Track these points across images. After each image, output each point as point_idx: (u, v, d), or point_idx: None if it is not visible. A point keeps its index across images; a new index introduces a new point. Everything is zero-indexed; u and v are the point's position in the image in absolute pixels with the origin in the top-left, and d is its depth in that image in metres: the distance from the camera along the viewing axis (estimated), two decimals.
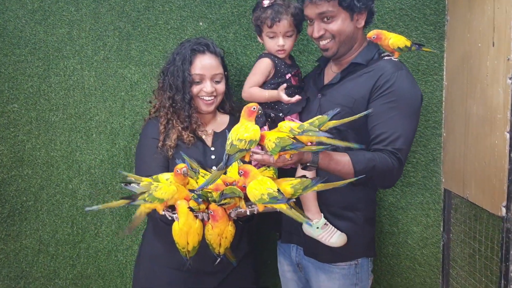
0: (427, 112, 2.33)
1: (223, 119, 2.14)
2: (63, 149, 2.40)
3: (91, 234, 2.44)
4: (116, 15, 2.33)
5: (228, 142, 1.57)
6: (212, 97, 2.00)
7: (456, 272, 2.34)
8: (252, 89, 1.99)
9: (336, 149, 1.67)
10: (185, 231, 1.58)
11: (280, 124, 1.62)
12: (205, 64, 1.97)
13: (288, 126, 1.58)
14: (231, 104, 2.19)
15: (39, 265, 2.46)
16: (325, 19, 1.83)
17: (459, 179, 2.17)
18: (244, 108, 1.62)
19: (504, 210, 1.78)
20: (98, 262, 2.47)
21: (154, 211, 1.82)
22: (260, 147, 1.62)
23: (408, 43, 1.86)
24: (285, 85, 1.94)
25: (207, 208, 1.63)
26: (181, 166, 1.64)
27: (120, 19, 2.33)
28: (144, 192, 1.63)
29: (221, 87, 2.02)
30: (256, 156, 1.60)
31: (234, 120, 2.13)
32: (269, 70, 1.99)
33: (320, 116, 1.62)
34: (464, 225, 2.28)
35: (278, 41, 1.95)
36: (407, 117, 1.76)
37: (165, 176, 1.69)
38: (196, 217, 1.61)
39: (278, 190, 1.56)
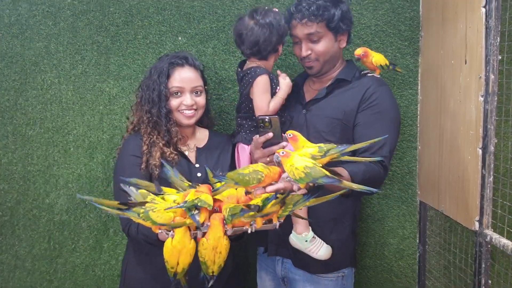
0: (402, 125, 2.37)
1: (202, 134, 2.12)
2: (40, 163, 2.37)
3: (69, 249, 2.42)
4: (95, 29, 2.33)
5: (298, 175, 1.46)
6: (193, 110, 1.97)
7: (431, 284, 2.38)
8: (271, 107, 1.96)
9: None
10: (178, 249, 1.49)
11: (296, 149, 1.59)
12: (184, 77, 1.95)
13: (307, 152, 1.51)
14: (210, 118, 2.19)
15: (15, 280, 2.42)
16: (313, 40, 1.91)
17: (434, 192, 2.21)
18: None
19: (477, 224, 1.83)
20: (75, 277, 2.44)
21: (136, 231, 1.80)
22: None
23: (387, 62, 2.00)
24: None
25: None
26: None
27: (99, 34, 2.33)
28: (140, 204, 1.54)
29: (201, 100, 1.99)
30: (278, 186, 1.51)
31: (214, 134, 2.14)
32: (270, 85, 1.99)
33: (328, 144, 1.57)
34: (440, 237, 2.33)
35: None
36: (391, 127, 1.86)
37: (172, 197, 1.59)
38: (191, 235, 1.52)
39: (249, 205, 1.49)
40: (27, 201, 2.39)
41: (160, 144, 1.92)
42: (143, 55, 2.35)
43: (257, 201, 1.53)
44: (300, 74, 2.20)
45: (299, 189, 1.51)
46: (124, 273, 2.02)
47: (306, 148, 1.54)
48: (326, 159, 1.50)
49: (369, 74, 1.99)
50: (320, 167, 1.46)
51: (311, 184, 1.48)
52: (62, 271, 2.43)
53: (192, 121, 1.99)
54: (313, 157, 1.49)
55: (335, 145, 1.53)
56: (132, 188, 1.64)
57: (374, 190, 1.49)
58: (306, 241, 1.90)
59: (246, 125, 2.03)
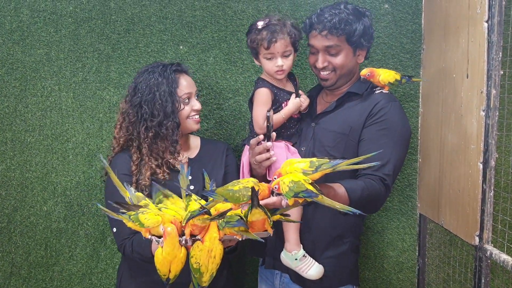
0: None
1: (195, 142, 2.10)
2: (38, 170, 2.36)
3: (65, 257, 2.40)
4: (96, 37, 2.32)
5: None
6: (198, 115, 2.00)
7: None
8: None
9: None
10: (168, 260, 1.51)
11: (290, 161, 1.56)
12: (189, 82, 1.96)
13: (299, 167, 1.49)
14: None
15: None
16: (331, 52, 1.88)
17: (434, 205, 2.20)
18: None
19: (477, 239, 1.81)
20: (72, 285, 2.42)
21: (131, 250, 1.80)
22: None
23: (398, 77, 1.95)
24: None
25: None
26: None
27: (100, 41, 2.32)
28: (135, 207, 1.57)
29: (199, 103, 2.02)
30: (266, 201, 1.50)
31: (206, 142, 2.12)
32: (270, 98, 1.96)
33: (321, 158, 1.54)
34: (439, 250, 2.31)
35: (276, 62, 1.91)
36: (397, 145, 1.82)
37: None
38: (180, 242, 1.52)
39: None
40: (24, 208, 2.37)
41: (153, 165, 1.88)
42: (144, 63, 2.34)
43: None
44: (315, 87, 2.18)
45: (287, 205, 1.49)
46: (119, 284, 2.01)
47: (298, 163, 1.52)
48: (317, 174, 1.47)
49: (377, 91, 1.96)
50: (309, 183, 1.45)
51: (300, 200, 1.47)
52: (58, 279, 2.42)
53: (199, 125, 2.01)
54: (304, 173, 1.47)
55: (328, 160, 1.49)
56: (132, 188, 1.66)
57: (356, 211, 1.44)
58: (296, 259, 1.87)
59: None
